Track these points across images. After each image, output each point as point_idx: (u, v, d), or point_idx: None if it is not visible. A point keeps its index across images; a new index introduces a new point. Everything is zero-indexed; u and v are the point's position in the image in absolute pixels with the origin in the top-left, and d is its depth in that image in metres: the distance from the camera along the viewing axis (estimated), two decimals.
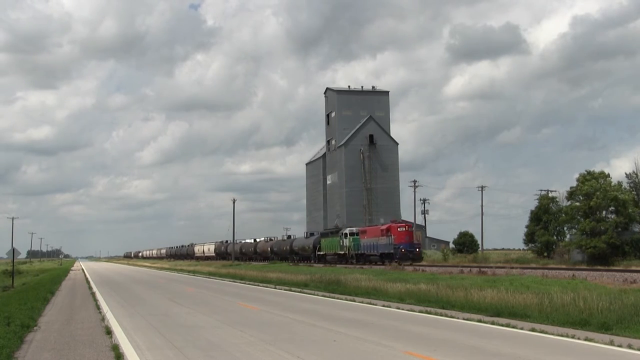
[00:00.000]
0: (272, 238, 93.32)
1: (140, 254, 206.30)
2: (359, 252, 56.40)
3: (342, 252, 59.14)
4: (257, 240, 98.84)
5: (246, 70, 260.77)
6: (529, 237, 67.07)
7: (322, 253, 64.98)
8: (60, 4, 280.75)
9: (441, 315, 17.85)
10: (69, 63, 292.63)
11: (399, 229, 51.68)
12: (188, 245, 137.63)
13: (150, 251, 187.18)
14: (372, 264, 51.78)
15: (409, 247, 50.86)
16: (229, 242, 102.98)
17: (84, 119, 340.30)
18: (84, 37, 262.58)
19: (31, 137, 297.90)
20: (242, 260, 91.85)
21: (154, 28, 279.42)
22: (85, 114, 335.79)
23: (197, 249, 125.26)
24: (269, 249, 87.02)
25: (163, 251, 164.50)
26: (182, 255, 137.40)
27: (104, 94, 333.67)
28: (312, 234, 76.65)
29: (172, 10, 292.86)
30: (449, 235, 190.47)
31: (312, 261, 67.12)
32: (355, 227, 63.66)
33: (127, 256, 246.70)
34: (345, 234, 59.50)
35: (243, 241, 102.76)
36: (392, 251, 50.50)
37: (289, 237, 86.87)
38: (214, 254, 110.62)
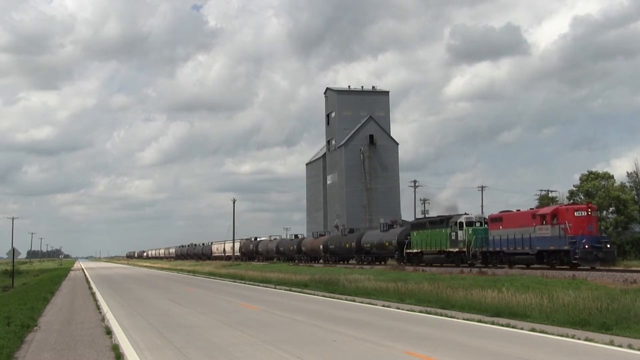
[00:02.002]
0: (323, 233, 78.35)
1: (144, 254, 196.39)
2: (488, 249, 39.86)
3: (455, 250, 42.71)
4: (300, 236, 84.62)
5: (247, 71, 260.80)
6: None
7: (415, 251, 47.94)
8: (64, 6, 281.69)
9: (441, 315, 17.84)
10: (71, 64, 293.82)
11: (576, 213, 33.71)
12: (203, 244, 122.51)
13: (157, 250, 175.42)
14: (512, 267, 36.59)
15: (595, 242, 32.81)
16: (258, 239, 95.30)
17: (86, 120, 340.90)
18: (87, 38, 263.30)
19: (32, 138, 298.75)
20: (281, 260, 79.00)
21: (156, 29, 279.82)
22: (86, 114, 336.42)
23: (216, 248, 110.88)
24: (320, 246, 68.65)
25: (172, 250, 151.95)
26: (195, 255, 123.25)
27: (105, 95, 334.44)
28: (391, 226, 56.92)
29: (175, 12, 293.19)
30: None
31: (401, 262, 49.41)
32: (463, 214, 44.74)
33: (130, 256, 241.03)
34: (460, 223, 42.55)
35: (279, 238, 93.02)
36: (565, 247, 33.41)
37: (352, 230, 68.96)
38: (238, 254, 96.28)
